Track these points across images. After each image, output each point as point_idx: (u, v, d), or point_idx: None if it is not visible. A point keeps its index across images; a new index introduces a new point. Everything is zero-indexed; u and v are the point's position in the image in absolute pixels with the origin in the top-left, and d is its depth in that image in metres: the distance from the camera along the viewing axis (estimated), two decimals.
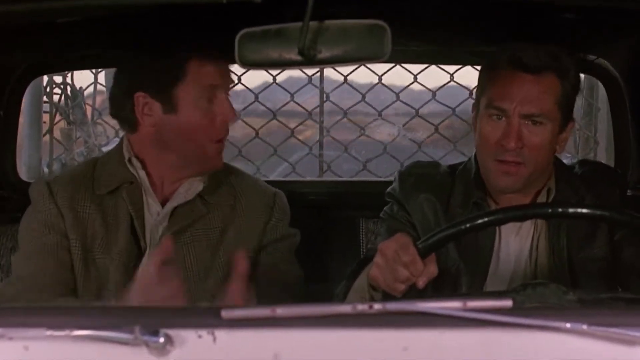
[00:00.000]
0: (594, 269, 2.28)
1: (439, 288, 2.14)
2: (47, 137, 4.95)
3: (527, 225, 2.32)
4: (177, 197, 2.32)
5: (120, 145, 2.38)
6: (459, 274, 2.27)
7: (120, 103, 2.32)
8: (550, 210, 2.04)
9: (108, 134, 5.17)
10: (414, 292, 1.98)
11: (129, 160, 2.32)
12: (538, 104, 2.21)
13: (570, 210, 1.97)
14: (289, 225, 2.44)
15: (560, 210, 1.98)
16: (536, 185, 2.32)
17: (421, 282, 1.94)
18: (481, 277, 2.28)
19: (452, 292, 2.22)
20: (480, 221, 1.97)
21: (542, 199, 2.33)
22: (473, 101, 2.38)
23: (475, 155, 2.38)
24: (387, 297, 1.97)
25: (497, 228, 2.29)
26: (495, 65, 2.26)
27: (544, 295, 1.86)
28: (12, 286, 2.26)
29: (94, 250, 2.28)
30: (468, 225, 1.96)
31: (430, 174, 2.42)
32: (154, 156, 2.31)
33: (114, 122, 5.09)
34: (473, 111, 2.36)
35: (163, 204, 2.32)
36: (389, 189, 2.45)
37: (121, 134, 4.70)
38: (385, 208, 2.44)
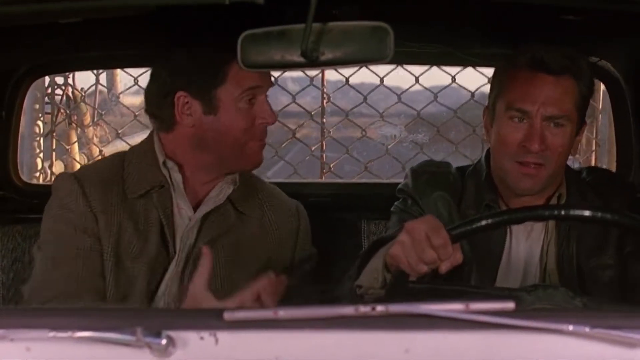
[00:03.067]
0: (603, 278, 2.27)
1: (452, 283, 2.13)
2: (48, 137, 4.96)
3: (538, 230, 2.31)
4: (209, 201, 2.29)
5: (149, 144, 2.32)
6: (469, 274, 2.26)
7: (158, 101, 2.28)
8: (588, 214, 2.01)
9: (109, 135, 5.18)
10: (425, 282, 1.97)
11: (164, 162, 2.28)
12: (560, 105, 2.21)
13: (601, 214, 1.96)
14: None
15: (602, 215, 1.97)
16: (549, 189, 2.31)
17: (444, 267, 1.92)
18: (490, 278, 2.27)
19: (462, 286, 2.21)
20: (518, 215, 1.99)
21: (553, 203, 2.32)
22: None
23: (485, 157, 2.38)
24: (399, 279, 1.96)
25: (508, 231, 2.29)
26: (514, 66, 2.25)
27: (552, 298, 1.86)
28: (41, 292, 2.19)
29: (124, 257, 2.23)
30: (505, 217, 1.98)
31: (443, 173, 2.42)
32: (190, 156, 2.28)
33: (114, 124, 5.12)
34: (485, 115, 2.35)
35: (194, 207, 2.28)
36: (400, 185, 2.44)
37: (122, 135, 4.73)
38: (396, 203, 2.43)
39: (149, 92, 2.32)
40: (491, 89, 2.34)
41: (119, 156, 2.37)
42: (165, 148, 2.30)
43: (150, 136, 2.34)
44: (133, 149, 2.39)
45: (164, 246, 2.25)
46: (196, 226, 2.27)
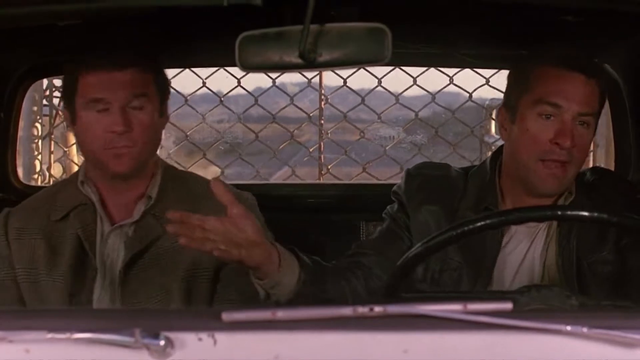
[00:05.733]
0: (602, 274, 2.25)
1: (443, 287, 2.13)
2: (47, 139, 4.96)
3: (541, 229, 2.29)
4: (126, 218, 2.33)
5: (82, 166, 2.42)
6: (461, 274, 2.25)
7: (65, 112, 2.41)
8: (549, 213, 2.02)
9: None
10: (415, 293, 1.97)
11: (82, 182, 2.34)
12: (590, 104, 2.21)
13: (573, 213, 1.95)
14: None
15: (559, 213, 1.97)
16: None
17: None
18: (487, 276, 2.25)
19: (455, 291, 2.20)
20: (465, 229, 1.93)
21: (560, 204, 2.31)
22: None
23: (490, 159, 2.36)
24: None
25: (509, 227, 2.27)
26: (543, 63, 2.23)
27: (547, 298, 1.86)
28: None
29: (39, 274, 2.29)
30: (465, 229, 1.93)
31: (439, 175, 2.37)
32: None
33: None
34: (500, 115, 2.31)
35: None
36: (394, 187, 2.41)
37: None
38: (388, 207, 2.40)
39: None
40: (510, 87, 2.31)
41: (60, 183, 2.52)
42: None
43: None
44: (70, 176, 2.52)
45: (82, 258, 2.29)
46: (119, 242, 2.30)
